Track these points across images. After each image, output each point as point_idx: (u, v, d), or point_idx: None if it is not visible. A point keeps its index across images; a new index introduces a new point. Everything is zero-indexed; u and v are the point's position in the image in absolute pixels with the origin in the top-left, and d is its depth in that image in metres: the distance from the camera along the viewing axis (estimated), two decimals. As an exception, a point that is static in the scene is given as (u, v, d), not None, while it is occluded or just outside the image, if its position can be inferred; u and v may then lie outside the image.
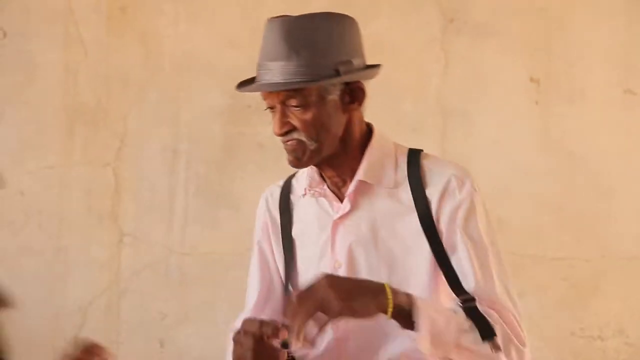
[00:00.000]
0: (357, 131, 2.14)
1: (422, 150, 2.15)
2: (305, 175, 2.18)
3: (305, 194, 2.17)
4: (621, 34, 3.51)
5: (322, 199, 2.14)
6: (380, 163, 2.12)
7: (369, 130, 2.16)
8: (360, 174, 2.08)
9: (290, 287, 2.15)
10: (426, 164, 2.11)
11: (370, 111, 3.19)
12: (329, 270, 2.04)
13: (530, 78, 3.48)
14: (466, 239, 2.01)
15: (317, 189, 2.14)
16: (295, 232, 2.17)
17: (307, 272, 2.10)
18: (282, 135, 1.99)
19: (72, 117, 3.54)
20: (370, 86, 3.27)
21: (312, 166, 2.11)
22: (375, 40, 3.24)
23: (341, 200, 2.11)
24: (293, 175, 2.25)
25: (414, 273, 2.01)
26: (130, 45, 3.57)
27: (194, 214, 3.58)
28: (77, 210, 3.52)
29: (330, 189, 2.11)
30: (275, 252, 2.18)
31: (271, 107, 2.01)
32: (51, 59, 3.54)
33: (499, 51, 3.50)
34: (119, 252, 3.60)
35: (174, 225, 3.57)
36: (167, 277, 3.39)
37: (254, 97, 3.24)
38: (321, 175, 2.12)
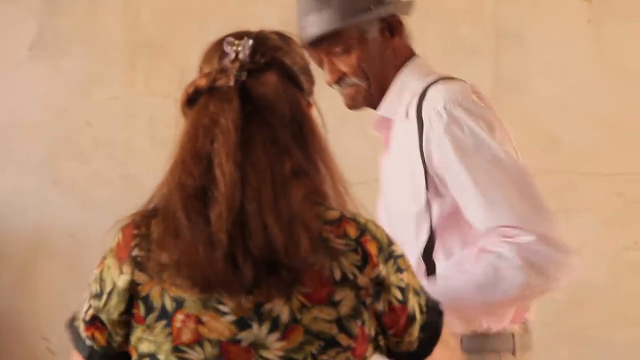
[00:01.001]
0: (402, 64, 2.10)
1: (441, 79, 2.06)
2: None
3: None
4: None
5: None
6: (399, 95, 2.07)
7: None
8: (381, 109, 2.08)
9: None
10: (428, 95, 2.03)
11: (428, 36, 3.08)
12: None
13: None
14: (460, 179, 1.95)
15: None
16: None
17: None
18: (335, 83, 2.00)
19: (134, 50, 3.51)
20: (427, 12, 3.06)
21: None
22: None
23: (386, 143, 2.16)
24: None
25: (404, 214, 2.01)
26: None
27: None
28: (142, 139, 3.50)
29: None
30: None
31: (319, 62, 2.00)
32: None
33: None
34: None
35: None
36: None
37: None
38: None
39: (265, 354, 1.48)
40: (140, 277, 1.49)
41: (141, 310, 1.50)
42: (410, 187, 2.02)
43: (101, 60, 3.50)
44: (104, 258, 1.53)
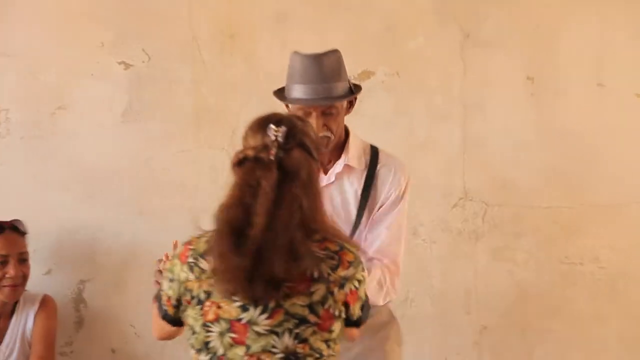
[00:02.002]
0: (346, 128, 2.62)
1: (377, 147, 2.62)
2: None
3: None
4: (593, 43, 3.72)
5: None
6: (358, 153, 2.56)
7: (346, 129, 2.61)
8: (347, 159, 2.52)
9: None
10: (386, 160, 2.57)
11: (411, 105, 3.62)
12: None
13: (527, 77, 3.70)
14: (392, 216, 2.53)
15: None
16: None
17: None
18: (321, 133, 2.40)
19: (199, 116, 3.68)
20: (409, 87, 3.64)
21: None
22: (412, 53, 3.65)
23: (325, 173, 2.50)
24: None
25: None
26: (238, 63, 3.68)
27: None
28: (205, 180, 3.65)
29: None
30: None
31: (306, 114, 2.39)
32: (183, 74, 3.68)
33: (504, 58, 3.69)
34: None
35: None
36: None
37: None
38: None
39: (256, 328, 1.86)
40: (190, 275, 1.91)
41: (187, 296, 1.93)
42: (347, 211, 2.51)
43: (175, 123, 3.66)
44: (173, 257, 1.96)
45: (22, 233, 3.31)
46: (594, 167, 3.74)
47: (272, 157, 1.84)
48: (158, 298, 2.03)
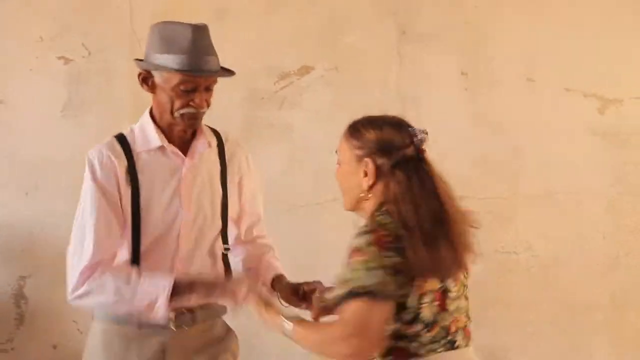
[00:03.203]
0: None
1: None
2: (146, 135, 2.33)
3: (153, 149, 2.31)
4: (524, 39, 3.77)
5: (171, 153, 2.32)
6: (208, 131, 2.41)
7: None
8: (206, 137, 2.37)
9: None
10: (221, 132, 2.44)
11: (347, 99, 3.62)
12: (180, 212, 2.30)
13: (461, 72, 3.75)
14: (257, 191, 2.51)
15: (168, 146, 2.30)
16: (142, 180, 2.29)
17: (152, 213, 2.28)
18: (202, 108, 2.25)
19: (138, 110, 2.84)
20: (348, 82, 3.65)
21: (155, 128, 2.30)
22: (350, 48, 3.68)
23: (185, 154, 2.33)
24: (121, 136, 2.36)
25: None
26: None
27: None
28: None
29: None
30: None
31: (194, 88, 2.24)
32: (122, 69, 3.62)
33: (439, 53, 3.72)
34: None
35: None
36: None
37: (267, 91, 3.64)
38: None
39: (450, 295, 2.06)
40: (398, 259, 1.92)
41: (401, 276, 1.95)
42: (212, 186, 2.38)
43: (113, 117, 3.60)
44: (368, 246, 1.93)
45: None
46: (526, 158, 3.79)
47: (426, 154, 2.11)
48: (370, 293, 1.93)
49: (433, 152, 3.35)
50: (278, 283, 2.47)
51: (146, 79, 2.33)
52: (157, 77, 2.30)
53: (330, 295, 2.03)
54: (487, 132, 3.76)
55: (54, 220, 3.59)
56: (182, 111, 2.27)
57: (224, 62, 3.36)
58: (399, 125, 2.12)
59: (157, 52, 2.27)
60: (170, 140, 2.34)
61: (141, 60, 2.36)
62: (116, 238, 2.28)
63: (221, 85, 3.50)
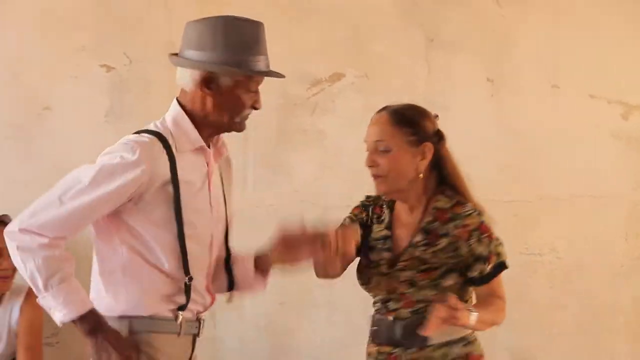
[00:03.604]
0: None
1: None
2: (188, 134, 2.16)
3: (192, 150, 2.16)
4: (549, 46, 3.76)
5: (204, 155, 2.20)
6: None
7: None
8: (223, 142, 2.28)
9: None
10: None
11: (377, 105, 3.42)
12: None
13: (487, 79, 3.74)
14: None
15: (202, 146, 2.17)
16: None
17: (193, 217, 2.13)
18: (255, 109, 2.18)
19: None
20: (377, 88, 3.67)
21: (194, 128, 2.15)
22: (379, 56, 3.70)
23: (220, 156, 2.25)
24: (159, 134, 2.14)
25: None
26: None
27: (259, 180, 3.71)
28: None
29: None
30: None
31: (257, 90, 2.19)
32: (162, 77, 3.53)
33: (465, 61, 3.72)
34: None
35: (247, 187, 3.68)
36: (244, 223, 3.09)
37: (299, 97, 3.68)
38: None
39: None
40: None
41: None
42: (221, 194, 2.27)
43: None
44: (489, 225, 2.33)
45: None
46: (550, 162, 3.77)
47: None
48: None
49: (460, 157, 3.41)
50: (263, 256, 2.37)
51: (210, 81, 2.16)
52: (226, 79, 2.15)
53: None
54: (513, 137, 3.74)
55: None
56: (246, 113, 2.19)
57: None
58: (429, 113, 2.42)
59: (238, 52, 2.13)
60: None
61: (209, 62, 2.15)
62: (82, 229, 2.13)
63: None
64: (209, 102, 2.17)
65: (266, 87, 3.52)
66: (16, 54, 3.65)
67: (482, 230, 2.30)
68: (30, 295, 3.27)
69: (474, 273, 2.29)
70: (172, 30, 3.67)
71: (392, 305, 2.35)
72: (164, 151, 2.11)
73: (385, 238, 2.37)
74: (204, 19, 2.17)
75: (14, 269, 3.16)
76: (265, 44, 2.21)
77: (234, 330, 3.65)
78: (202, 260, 2.23)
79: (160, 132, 2.15)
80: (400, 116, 2.35)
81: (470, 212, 2.32)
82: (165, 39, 3.67)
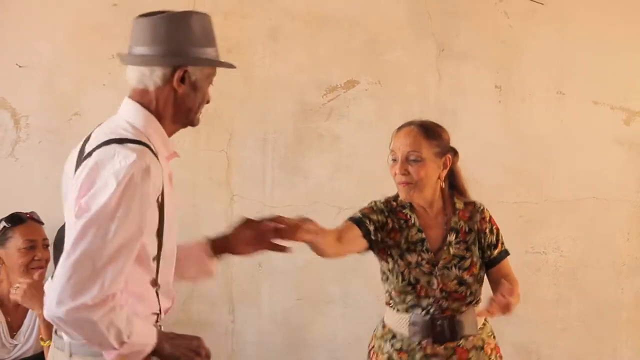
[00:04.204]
0: None
1: None
2: (164, 139, 1.94)
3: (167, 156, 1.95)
4: (554, 55, 3.77)
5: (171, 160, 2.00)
6: None
7: None
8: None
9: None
10: None
11: (389, 111, 3.65)
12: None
13: (495, 86, 3.75)
14: None
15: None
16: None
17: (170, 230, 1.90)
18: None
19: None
20: (390, 95, 3.67)
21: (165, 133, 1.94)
22: (392, 64, 3.71)
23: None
24: (141, 142, 1.86)
25: None
26: (234, 72, 3.14)
27: (278, 181, 3.72)
28: (204, 179, 3.69)
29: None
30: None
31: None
32: None
33: (474, 69, 3.74)
34: (231, 206, 3.72)
35: (265, 188, 3.71)
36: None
37: (315, 103, 3.70)
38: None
39: None
40: None
41: None
42: None
43: None
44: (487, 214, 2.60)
45: (40, 222, 3.34)
46: (555, 166, 3.79)
47: None
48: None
49: (469, 160, 3.43)
50: (218, 240, 2.22)
51: (184, 77, 1.96)
52: (197, 73, 1.97)
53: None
54: (519, 142, 3.76)
55: None
56: (202, 108, 2.01)
57: (277, 76, 3.54)
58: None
59: (198, 45, 1.95)
60: None
61: (165, 55, 1.95)
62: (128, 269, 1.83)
63: (274, 98, 3.67)
64: (179, 98, 1.97)
65: (285, 95, 3.69)
66: (50, 63, 3.70)
67: (492, 222, 2.58)
68: None
69: (487, 260, 2.58)
70: None
71: (444, 304, 2.51)
72: (157, 162, 1.87)
73: (422, 240, 2.52)
74: (154, 14, 1.97)
75: (47, 261, 3.24)
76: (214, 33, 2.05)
77: (252, 325, 3.68)
78: (169, 270, 2.03)
79: (143, 141, 1.88)
80: (429, 130, 2.52)
81: (481, 207, 2.58)
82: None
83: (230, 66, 2.03)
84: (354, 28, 3.78)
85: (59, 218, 3.41)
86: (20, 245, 3.20)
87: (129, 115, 1.98)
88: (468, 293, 2.52)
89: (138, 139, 1.87)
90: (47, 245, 3.30)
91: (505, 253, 2.63)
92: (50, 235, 3.36)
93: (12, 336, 3.22)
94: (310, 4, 3.77)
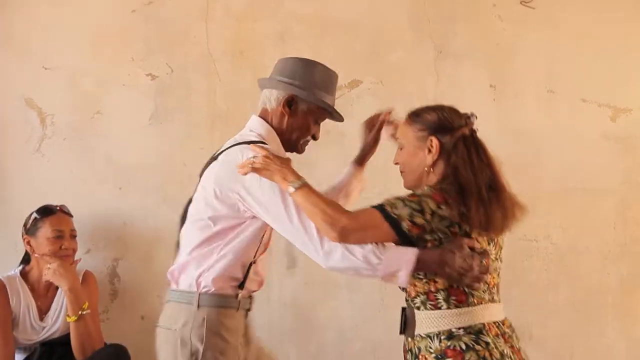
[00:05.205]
0: None
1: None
2: (279, 146, 2.38)
3: None
4: (545, 56, 3.82)
5: None
6: None
7: None
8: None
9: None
10: None
11: (395, 110, 3.66)
12: None
13: (490, 85, 3.79)
14: None
15: None
16: None
17: None
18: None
19: (213, 119, 3.68)
20: (391, 94, 3.65)
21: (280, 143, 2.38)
22: (394, 64, 3.72)
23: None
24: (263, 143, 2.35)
25: None
26: (246, 73, 3.67)
27: None
28: None
29: None
30: None
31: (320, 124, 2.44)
32: (200, 84, 3.68)
33: (470, 69, 3.77)
34: None
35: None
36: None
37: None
38: None
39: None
40: (453, 213, 2.08)
41: (453, 228, 2.11)
42: None
43: (193, 125, 3.67)
44: (422, 196, 2.08)
45: (69, 215, 3.40)
46: (546, 159, 3.81)
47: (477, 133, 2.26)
48: (390, 219, 2.11)
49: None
50: (358, 157, 2.69)
51: (291, 102, 2.40)
52: (303, 105, 2.39)
53: None
54: (512, 137, 3.77)
55: (142, 212, 3.67)
56: (307, 138, 2.41)
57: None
58: (454, 109, 2.27)
59: (319, 88, 2.37)
60: None
61: (291, 85, 2.40)
62: None
63: None
64: (285, 120, 2.38)
65: None
66: (73, 66, 3.72)
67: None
68: (86, 277, 3.40)
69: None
70: (209, 43, 3.76)
71: (406, 294, 2.32)
72: None
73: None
74: (296, 57, 2.44)
75: (75, 250, 3.32)
76: (335, 90, 2.44)
77: (263, 308, 3.64)
78: (264, 256, 2.41)
79: (263, 142, 2.33)
80: (412, 114, 2.31)
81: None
82: (203, 51, 3.75)
83: (336, 118, 2.44)
84: (358, 31, 3.81)
85: (82, 208, 3.57)
86: (49, 234, 3.27)
87: (253, 126, 2.41)
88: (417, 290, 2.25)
89: (259, 140, 2.31)
90: (74, 236, 3.35)
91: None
92: (77, 226, 3.42)
93: (41, 319, 3.28)
94: (316, 9, 3.80)
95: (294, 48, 3.74)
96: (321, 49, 3.73)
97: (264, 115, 2.44)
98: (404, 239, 2.14)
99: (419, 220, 2.11)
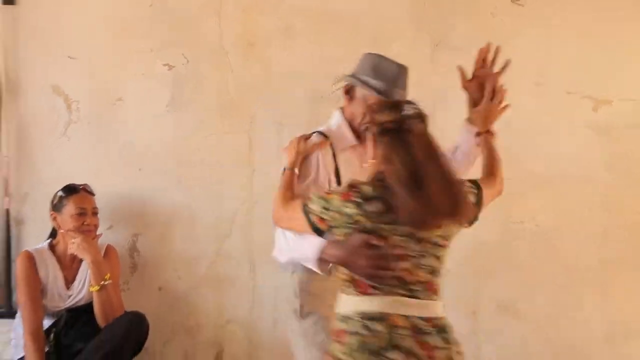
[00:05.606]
0: None
1: None
2: (344, 134, 2.54)
3: (348, 147, 2.54)
4: (534, 51, 3.83)
5: (360, 151, 2.53)
6: None
7: None
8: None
9: None
10: None
11: None
12: None
13: None
14: None
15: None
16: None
17: None
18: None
19: (224, 107, 3.78)
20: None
21: (350, 129, 2.54)
22: (392, 56, 3.26)
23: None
24: (322, 134, 2.56)
25: None
26: (256, 66, 3.77)
27: None
28: (228, 158, 3.77)
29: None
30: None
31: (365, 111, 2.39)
32: (213, 74, 3.77)
33: (465, 61, 3.40)
34: (252, 180, 3.79)
35: (281, 165, 3.15)
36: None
37: (325, 91, 3.67)
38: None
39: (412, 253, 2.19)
40: (357, 211, 2.14)
41: (356, 225, 2.15)
42: None
43: (206, 113, 3.77)
44: (332, 193, 2.20)
45: (92, 193, 3.57)
46: (533, 147, 3.85)
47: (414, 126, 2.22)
48: (306, 212, 2.29)
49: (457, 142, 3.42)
50: (470, 115, 2.79)
51: (349, 91, 2.59)
52: (358, 92, 2.54)
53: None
54: (502, 126, 3.50)
55: (159, 192, 3.80)
56: (365, 122, 2.36)
57: (292, 68, 3.59)
58: (391, 101, 2.34)
59: (366, 74, 2.52)
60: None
61: (351, 76, 2.59)
62: None
63: (289, 87, 3.74)
64: (349, 109, 2.57)
65: (299, 83, 3.77)
66: (96, 56, 3.81)
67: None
68: (108, 251, 3.57)
69: None
70: (222, 35, 3.85)
71: None
72: (328, 145, 2.49)
73: None
74: (366, 52, 2.61)
75: (96, 227, 3.48)
76: (401, 81, 2.56)
77: (271, 279, 3.75)
78: None
79: (324, 132, 2.54)
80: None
81: None
82: (216, 42, 3.84)
83: (377, 92, 2.47)
84: (358, 25, 3.83)
85: (105, 187, 3.71)
86: (73, 212, 3.43)
87: (331, 117, 2.63)
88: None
89: (322, 130, 2.53)
90: (96, 213, 3.50)
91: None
92: (100, 204, 3.57)
93: (68, 288, 3.45)
94: (318, 3, 3.83)
95: (299, 41, 3.84)
96: (325, 41, 3.79)
97: (343, 108, 2.63)
98: (316, 231, 2.32)
99: (325, 215, 2.28)
